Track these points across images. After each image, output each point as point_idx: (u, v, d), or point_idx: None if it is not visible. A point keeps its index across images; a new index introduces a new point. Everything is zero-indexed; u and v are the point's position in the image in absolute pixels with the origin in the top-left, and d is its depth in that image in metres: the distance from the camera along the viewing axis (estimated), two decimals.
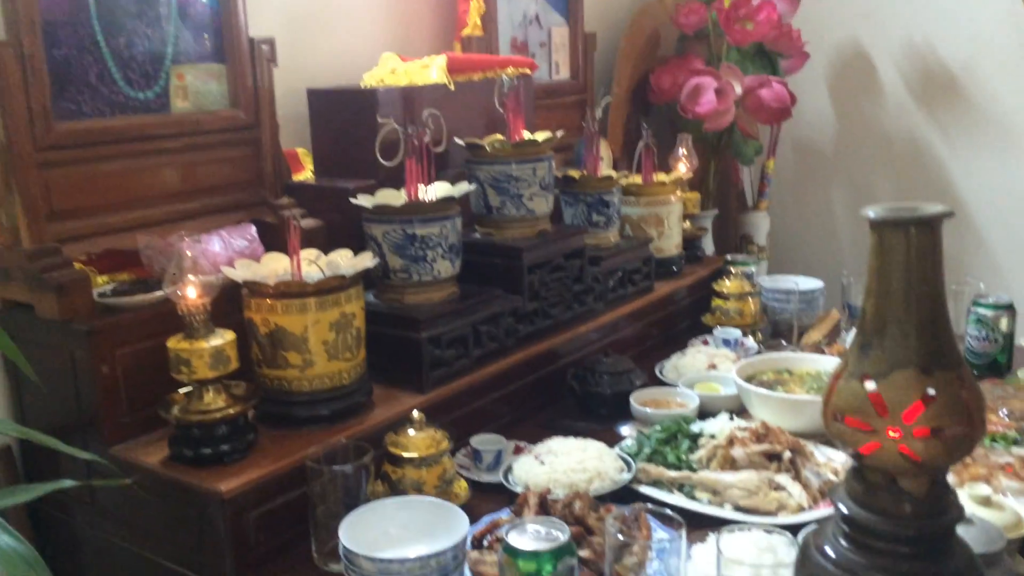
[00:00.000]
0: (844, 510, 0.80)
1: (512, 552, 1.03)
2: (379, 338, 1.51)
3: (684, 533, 1.06)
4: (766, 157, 2.90)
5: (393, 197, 1.59)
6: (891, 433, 0.73)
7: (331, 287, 1.37)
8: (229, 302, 1.40)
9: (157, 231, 1.48)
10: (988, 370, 1.84)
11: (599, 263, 1.91)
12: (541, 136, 1.82)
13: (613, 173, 2.02)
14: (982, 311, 1.84)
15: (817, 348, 1.94)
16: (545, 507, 1.28)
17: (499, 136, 1.83)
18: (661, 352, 2.02)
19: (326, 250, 1.51)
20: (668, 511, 1.10)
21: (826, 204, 3.18)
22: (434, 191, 1.61)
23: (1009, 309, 1.83)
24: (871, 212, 0.75)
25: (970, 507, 1.15)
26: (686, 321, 2.23)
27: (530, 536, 1.05)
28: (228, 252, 1.48)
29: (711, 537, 1.21)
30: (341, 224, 1.66)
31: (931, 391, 0.72)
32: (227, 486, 1.23)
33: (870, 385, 0.74)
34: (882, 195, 3.07)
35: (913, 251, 0.73)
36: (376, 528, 1.18)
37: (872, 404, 0.74)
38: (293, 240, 1.40)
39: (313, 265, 1.46)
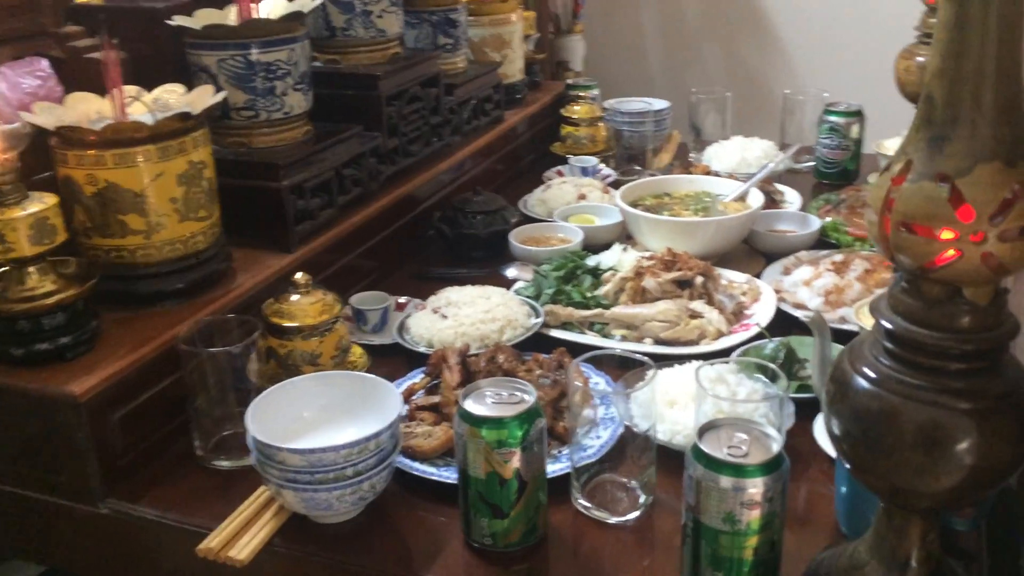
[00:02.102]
0: (890, 326, 0.71)
1: (474, 421, 0.88)
2: (228, 192, 1.24)
3: (654, 374, 0.95)
4: None
5: (222, 16, 1.29)
6: (973, 238, 0.64)
7: (174, 130, 1.09)
8: (31, 158, 1.09)
9: None
10: (839, 178, 1.86)
11: (452, 92, 1.71)
12: None
13: None
14: (834, 119, 1.84)
15: (675, 170, 1.86)
16: (466, 365, 1.13)
17: None
18: (514, 188, 1.87)
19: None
20: (640, 357, 0.99)
21: (636, 26, 3.10)
22: (271, 6, 1.32)
23: (859, 115, 1.84)
24: None
25: None
26: (531, 154, 2.09)
27: (490, 400, 0.90)
28: (17, 94, 1.14)
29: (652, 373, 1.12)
30: (150, 57, 1.34)
31: (1018, 185, 0.63)
32: (81, 388, 0.98)
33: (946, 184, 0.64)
34: (689, 10, 3.02)
35: (997, 21, 0.62)
36: (286, 414, 0.98)
37: (951, 206, 0.64)
38: (112, 73, 1.09)
39: (136, 104, 1.16)
